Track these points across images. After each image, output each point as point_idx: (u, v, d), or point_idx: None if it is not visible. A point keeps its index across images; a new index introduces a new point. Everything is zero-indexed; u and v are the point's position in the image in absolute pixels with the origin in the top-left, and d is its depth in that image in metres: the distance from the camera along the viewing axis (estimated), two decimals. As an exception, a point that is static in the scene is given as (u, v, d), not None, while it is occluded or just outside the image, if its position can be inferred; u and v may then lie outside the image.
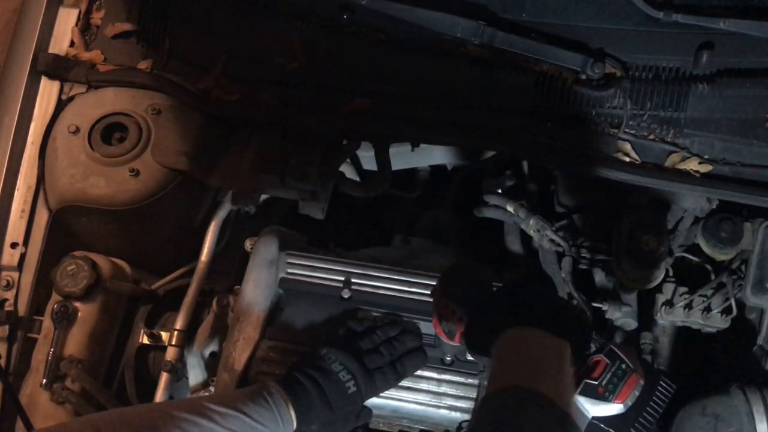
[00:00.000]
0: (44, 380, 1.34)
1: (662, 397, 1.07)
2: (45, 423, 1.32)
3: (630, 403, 1.04)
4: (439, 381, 1.28)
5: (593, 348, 1.08)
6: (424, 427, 1.30)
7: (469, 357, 1.33)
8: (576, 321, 1.06)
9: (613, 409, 1.03)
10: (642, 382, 1.05)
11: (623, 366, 1.05)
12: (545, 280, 1.17)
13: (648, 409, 1.05)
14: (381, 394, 1.24)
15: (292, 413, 1.11)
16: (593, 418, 1.04)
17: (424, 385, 1.28)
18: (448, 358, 1.29)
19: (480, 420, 0.93)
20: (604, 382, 1.04)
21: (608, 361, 1.05)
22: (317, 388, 1.14)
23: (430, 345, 1.28)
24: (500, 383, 0.94)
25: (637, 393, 1.04)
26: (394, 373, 1.22)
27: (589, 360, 1.06)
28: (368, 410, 1.24)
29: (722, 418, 1.29)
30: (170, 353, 1.39)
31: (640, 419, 1.04)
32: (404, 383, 1.26)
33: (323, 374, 1.15)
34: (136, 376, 1.43)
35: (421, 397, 1.27)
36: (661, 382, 1.07)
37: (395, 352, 1.23)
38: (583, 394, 1.03)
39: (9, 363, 1.39)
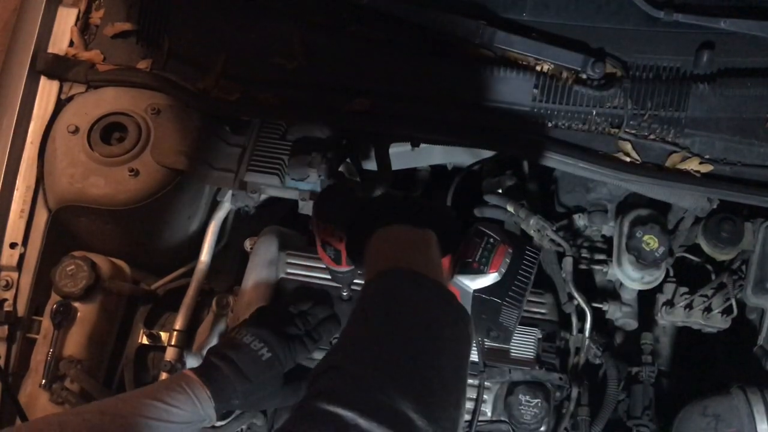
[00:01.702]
0: (43, 380, 1.34)
1: (530, 260, 1.15)
2: (44, 423, 1.33)
3: (504, 270, 1.12)
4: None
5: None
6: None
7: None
8: (438, 213, 1.11)
9: (490, 278, 1.12)
10: (510, 250, 1.14)
11: (491, 240, 1.13)
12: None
13: (521, 272, 1.13)
14: None
15: (207, 392, 1.14)
16: (474, 291, 1.12)
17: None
18: (345, 294, 1.34)
19: (367, 301, 0.93)
20: (477, 257, 1.12)
21: (477, 240, 1.13)
22: (227, 362, 1.18)
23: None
24: (375, 271, 0.96)
25: (508, 260, 1.13)
26: (310, 339, 1.27)
27: (461, 245, 1.13)
28: None
29: (723, 418, 1.29)
30: (170, 353, 1.39)
31: (516, 282, 1.12)
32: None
33: (233, 348, 1.20)
34: (135, 376, 1.42)
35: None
36: (528, 248, 1.16)
37: (308, 324, 1.28)
38: (461, 272, 1.11)
39: (8, 363, 1.39)
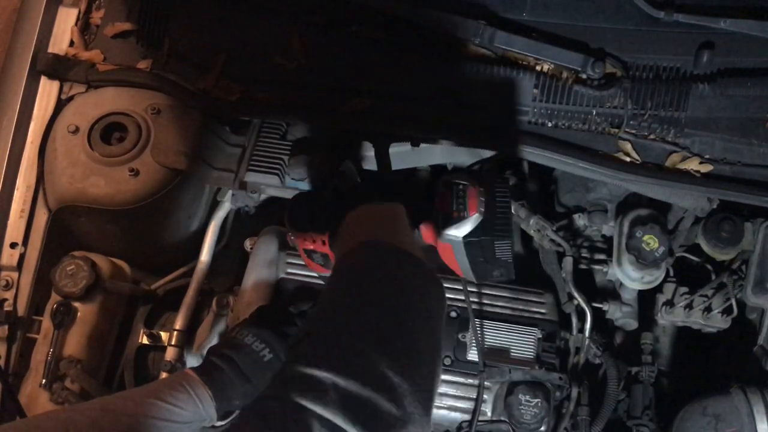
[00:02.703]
0: (44, 380, 1.34)
1: (503, 190, 1.19)
2: (44, 423, 1.33)
3: (483, 209, 1.15)
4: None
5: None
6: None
7: (469, 357, 1.33)
8: (402, 187, 1.16)
9: (473, 220, 1.15)
10: (481, 189, 1.16)
11: (461, 186, 1.17)
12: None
13: (498, 204, 1.17)
14: None
15: (209, 392, 1.14)
16: (464, 238, 1.14)
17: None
18: None
19: (336, 274, 0.96)
20: (454, 207, 1.15)
21: (447, 191, 1.16)
22: (229, 363, 1.18)
23: None
24: (348, 246, 0.99)
25: (483, 199, 1.16)
26: None
27: (435, 203, 1.16)
28: None
29: (723, 418, 1.29)
30: (170, 353, 1.39)
31: (498, 215, 1.16)
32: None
33: (233, 349, 1.20)
34: (135, 376, 1.43)
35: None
36: (497, 181, 1.20)
37: None
38: (444, 225, 1.14)
39: (9, 363, 1.39)
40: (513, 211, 1.51)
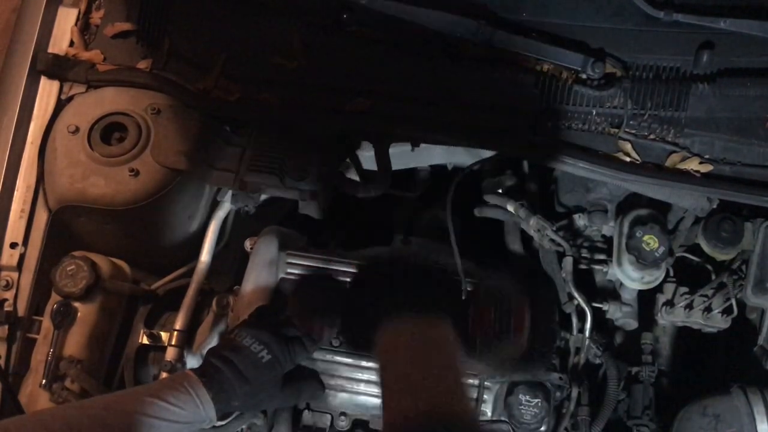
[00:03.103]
0: (44, 380, 1.34)
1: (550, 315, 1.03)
2: (45, 423, 1.33)
3: (527, 335, 1.01)
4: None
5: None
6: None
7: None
8: (443, 290, 1.08)
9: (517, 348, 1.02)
10: (528, 307, 1.03)
11: (506, 303, 1.01)
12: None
13: (546, 331, 1.02)
14: (378, 395, 1.24)
15: (209, 393, 1.15)
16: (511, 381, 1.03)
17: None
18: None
19: None
20: (496, 324, 1.02)
21: (490, 306, 1.03)
22: (228, 365, 1.18)
23: None
24: (398, 410, 0.97)
25: (527, 323, 1.03)
26: (309, 339, 1.26)
27: (474, 311, 1.03)
28: (317, 384, 1.29)
29: (723, 418, 1.29)
30: (170, 353, 1.39)
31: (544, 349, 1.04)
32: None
33: (233, 351, 1.20)
34: (135, 376, 1.42)
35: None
36: (546, 300, 1.03)
37: None
38: (483, 359, 1.03)
39: (9, 363, 1.39)
40: (513, 211, 1.52)
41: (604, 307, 1.47)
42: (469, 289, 1.07)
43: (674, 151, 1.36)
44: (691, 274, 1.48)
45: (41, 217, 1.46)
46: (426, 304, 1.02)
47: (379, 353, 1.03)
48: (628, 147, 1.37)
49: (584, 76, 1.37)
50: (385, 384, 1.05)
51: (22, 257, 1.44)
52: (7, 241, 1.44)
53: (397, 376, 1.01)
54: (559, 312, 1.42)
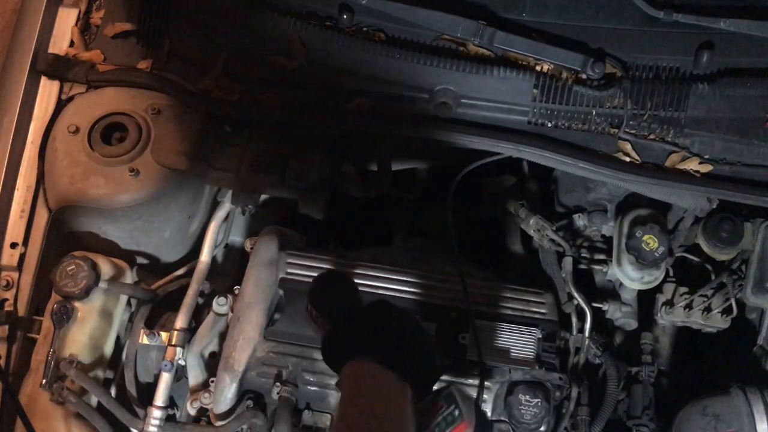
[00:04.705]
0: (44, 380, 1.34)
1: None
2: (45, 423, 1.33)
3: None
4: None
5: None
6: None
7: (469, 358, 1.33)
8: (422, 360, 1.06)
9: None
10: (469, 430, 1.05)
11: (456, 412, 1.05)
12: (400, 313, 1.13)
13: None
14: None
15: None
16: None
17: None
18: None
19: None
20: (435, 423, 1.05)
21: (444, 404, 1.06)
22: None
23: None
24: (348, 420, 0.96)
25: None
26: None
27: (430, 400, 1.07)
28: None
29: (722, 418, 1.29)
30: (170, 353, 1.39)
31: None
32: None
33: None
34: (136, 376, 1.42)
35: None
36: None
37: None
38: None
39: (9, 363, 1.39)
40: (513, 211, 1.52)
41: (604, 307, 1.47)
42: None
43: (674, 151, 1.37)
44: (690, 274, 1.48)
45: (41, 217, 1.46)
46: (405, 366, 1.01)
47: (342, 387, 1.02)
48: (628, 147, 1.37)
49: (584, 76, 1.37)
50: (337, 418, 1.03)
51: (22, 257, 1.44)
52: (8, 241, 1.45)
53: (351, 402, 1.00)
54: (559, 312, 1.42)
